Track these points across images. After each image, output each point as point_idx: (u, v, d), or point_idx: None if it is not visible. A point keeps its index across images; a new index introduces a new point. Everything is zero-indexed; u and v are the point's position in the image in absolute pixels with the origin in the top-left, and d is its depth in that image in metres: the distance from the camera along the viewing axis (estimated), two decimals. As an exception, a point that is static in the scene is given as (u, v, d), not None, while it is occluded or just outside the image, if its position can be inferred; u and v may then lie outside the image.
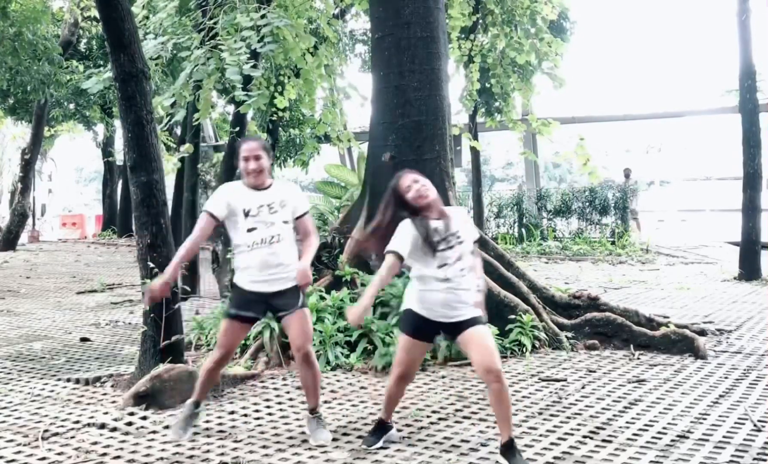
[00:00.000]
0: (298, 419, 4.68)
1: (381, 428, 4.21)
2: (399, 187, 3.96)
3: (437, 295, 3.83)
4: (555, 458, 3.97)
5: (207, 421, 4.64)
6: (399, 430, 4.39)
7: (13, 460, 4.03)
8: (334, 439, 4.28)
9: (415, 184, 3.94)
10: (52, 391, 5.43)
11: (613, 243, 17.25)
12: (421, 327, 3.91)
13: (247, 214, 4.20)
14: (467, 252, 3.92)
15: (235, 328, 4.30)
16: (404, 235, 3.85)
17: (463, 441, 4.25)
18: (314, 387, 4.32)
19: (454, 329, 3.87)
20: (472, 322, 3.84)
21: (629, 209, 18.74)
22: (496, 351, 3.88)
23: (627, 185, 19.01)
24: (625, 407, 4.90)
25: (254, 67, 6.77)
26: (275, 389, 5.37)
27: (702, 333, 7.13)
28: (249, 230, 4.19)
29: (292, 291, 4.22)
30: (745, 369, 5.91)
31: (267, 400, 5.11)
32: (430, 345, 4.10)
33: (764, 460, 3.94)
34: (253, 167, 4.20)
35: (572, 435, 4.34)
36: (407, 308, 3.98)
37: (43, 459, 4.04)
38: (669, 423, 4.55)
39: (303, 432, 4.39)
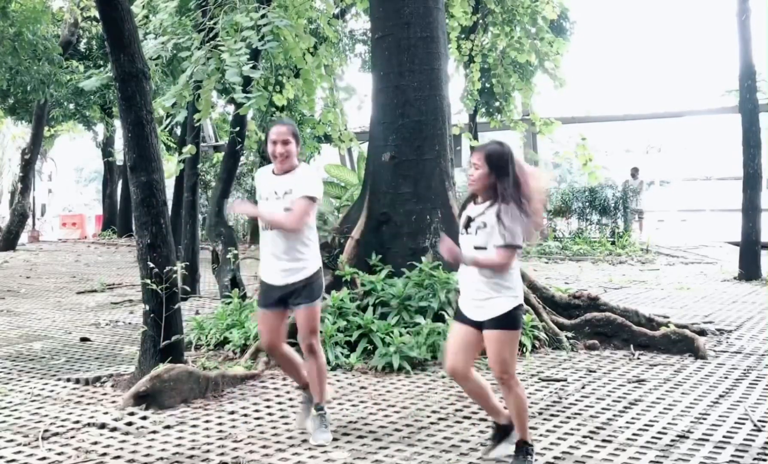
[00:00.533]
0: (295, 411, 4.67)
1: (499, 431, 3.95)
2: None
3: (461, 282, 3.80)
4: (555, 458, 3.97)
5: (207, 421, 4.64)
6: (398, 430, 4.39)
7: (13, 460, 4.03)
8: (334, 439, 4.27)
9: (473, 169, 3.71)
10: (52, 391, 5.43)
11: (613, 243, 17.25)
12: (458, 312, 3.82)
13: (261, 198, 4.30)
14: (473, 245, 3.71)
15: (267, 318, 4.37)
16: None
17: (463, 441, 4.25)
18: (318, 380, 4.31)
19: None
20: (488, 325, 3.66)
21: (634, 209, 18.74)
22: (501, 358, 3.68)
23: (632, 185, 18.99)
24: (625, 407, 4.90)
25: (254, 67, 6.77)
26: (275, 389, 5.37)
27: (702, 333, 7.13)
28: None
29: (307, 285, 4.22)
30: (745, 369, 5.91)
31: (267, 400, 5.11)
32: (477, 331, 3.74)
33: (764, 460, 3.94)
34: (280, 151, 4.22)
35: (572, 435, 4.34)
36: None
37: (43, 459, 4.04)
38: (669, 423, 4.54)
39: (303, 431, 4.39)
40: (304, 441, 4.26)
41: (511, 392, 3.68)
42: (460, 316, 3.80)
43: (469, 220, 3.71)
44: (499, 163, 3.61)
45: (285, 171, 4.27)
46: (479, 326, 3.69)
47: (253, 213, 4.37)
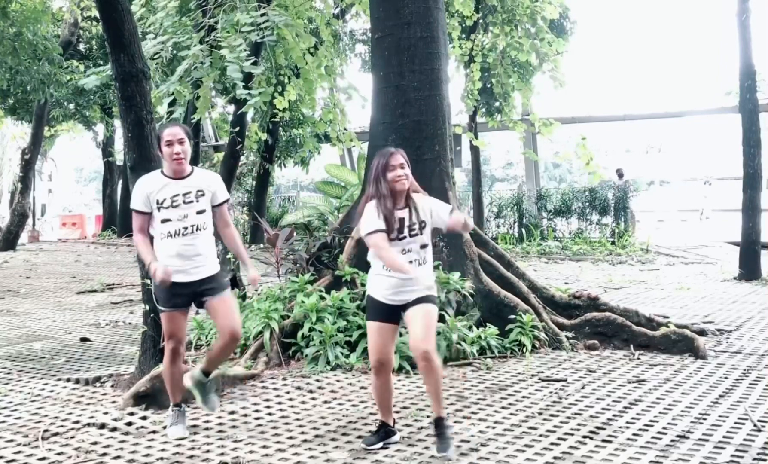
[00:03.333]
0: (298, 419, 4.68)
1: (383, 430, 4.20)
2: (388, 161, 3.98)
3: (390, 280, 3.93)
4: (555, 458, 3.97)
5: (207, 421, 4.64)
6: (399, 430, 4.39)
7: (13, 460, 4.03)
8: (333, 439, 4.28)
9: (400, 170, 3.95)
10: (52, 391, 5.43)
11: (613, 243, 17.26)
12: (383, 311, 3.99)
13: (160, 205, 4.19)
14: (422, 243, 3.98)
15: (171, 318, 4.33)
16: (376, 214, 3.92)
17: (463, 441, 4.25)
18: (221, 361, 4.45)
19: (403, 308, 3.97)
20: (418, 301, 3.91)
21: (628, 209, 18.75)
22: (432, 330, 3.94)
23: (620, 185, 18.99)
24: (625, 407, 4.90)
25: (254, 63, 6.77)
26: (275, 389, 5.37)
27: (702, 333, 7.13)
28: (163, 221, 4.19)
29: (215, 277, 4.28)
30: (745, 369, 5.91)
31: (267, 400, 5.11)
32: (396, 326, 4.09)
33: (764, 460, 3.94)
34: (177, 151, 4.16)
35: (572, 435, 4.34)
36: (369, 294, 4.09)
37: (43, 459, 4.04)
38: (669, 423, 4.54)
39: (303, 432, 4.39)
40: (305, 440, 4.27)
41: (434, 365, 3.87)
42: (382, 315, 3.99)
43: (411, 220, 3.94)
44: (408, 161, 4.03)
45: (182, 173, 4.23)
46: (398, 314, 3.98)
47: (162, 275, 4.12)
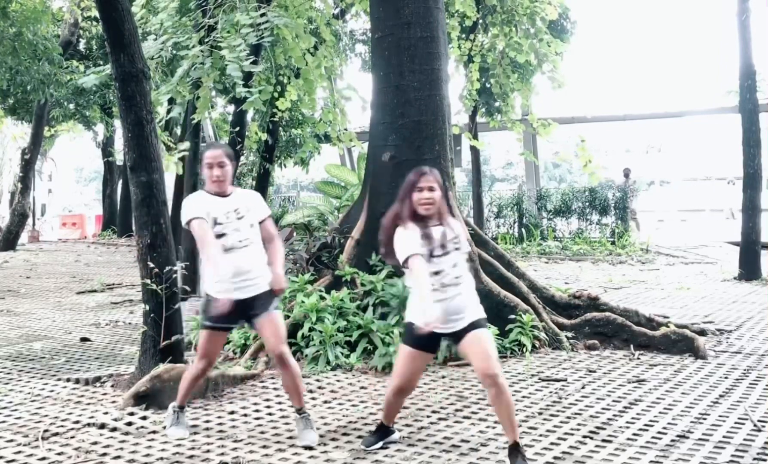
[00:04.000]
0: (294, 419, 4.67)
1: (382, 430, 4.20)
2: (416, 181, 3.91)
3: (435, 306, 3.71)
4: (555, 458, 3.97)
5: (207, 421, 4.64)
6: (399, 430, 4.39)
7: (13, 460, 4.03)
8: (333, 439, 4.28)
9: (428, 193, 3.86)
10: (52, 391, 5.43)
11: (613, 243, 17.26)
12: (423, 339, 3.77)
13: (216, 222, 4.20)
14: (462, 259, 3.87)
15: (214, 338, 4.32)
16: (411, 237, 3.80)
17: (463, 441, 4.25)
18: (295, 387, 4.28)
19: (456, 336, 3.81)
20: (470, 327, 3.76)
21: (629, 209, 18.77)
22: (493, 353, 3.77)
23: (627, 185, 19.03)
24: (625, 407, 4.90)
25: (254, 63, 6.77)
26: (275, 389, 5.37)
27: (702, 333, 7.13)
28: (218, 236, 4.18)
29: (266, 295, 4.23)
30: (745, 369, 5.91)
31: (267, 400, 5.11)
32: (432, 355, 4.02)
33: (764, 460, 3.94)
34: (217, 174, 4.22)
35: (572, 435, 4.34)
36: (409, 321, 3.88)
37: (43, 459, 4.04)
38: (669, 423, 4.54)
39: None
40: (304, 441, 4.26)
41: (504, 390, 3.68)
42: (420, 343, 3.79)
43: (448, 235, 3.84)
44: (441, 183, 3.98)
45: (224, 193, 4.28)
46: (438, 343, 3.87)
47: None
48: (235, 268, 4.18)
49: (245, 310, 4.22)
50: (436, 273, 3.74)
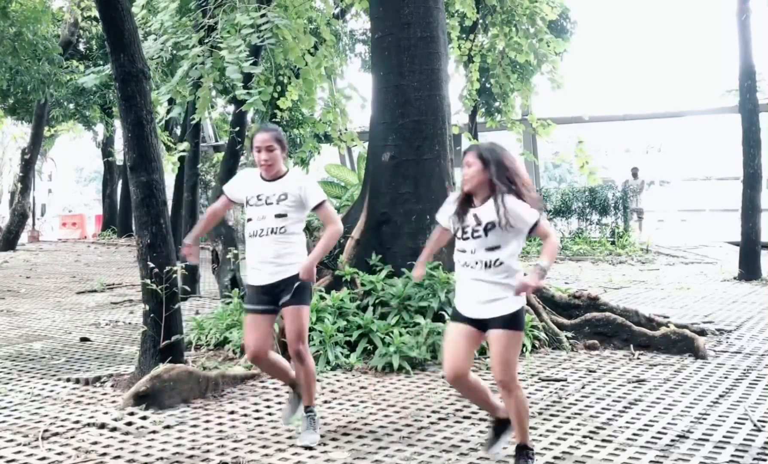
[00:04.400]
0: (297, 419, 4.67)
1: (496, 425, 3.91)
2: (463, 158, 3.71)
3: (464, 288, 3.65)
4: (555, 458, 3.97)
5: (207, 421, 4.64)
6: (398, 430, 4.39)
7: (13, 460, 4.03)
8: (333, 439, 4.28)
9: (467, 168, 3.66)
10: (52, 391, 5.43)
11: (613, 243, 17.26)
12: (463, 318, 3.67)
13: (248, 202, 4.26)
14: (488, 245, 3.58)
15: (250, 321, 4.28)
16: (445, 205, 3.82)
17: (463, 441, 4.25)
18: (306, 385, 4.29)
19: (482, 324, 3.64)
20: (493, 324, 3.59)
21: (634, 209, 18.76)
22: (507, 358, 3.60)
23: (633, 185, 19.01)
24: (625, 407, 4.90)
25: (254, 64, 6.77)
26: (275, 389, 5.37)
27: (702, 333, 7.13)
28: (248, 219, 4.24)
29: (292, 285, 4.17)
30: (745, 369, 5.91)
31: (267, 400, 5.11)
32: (483, 335, 3.68)
33: (764, 460, 3.94)
34: (264, 158, 4.20)
35: (572, 435, 4.34)
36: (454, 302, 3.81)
37: (43, 459, 4.04)
38: (669, 423, 4.54)
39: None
40: (304, 441, 4.26)
41: (512, 395, 3.60)
42: (459, 317, 3.70)
43: (477, 220, 3.61)
44: (492, 157, 3.60)
45: (274, 177, 4.25)
46: (481, 326, 3.62)
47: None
48: (256, 254, 4.20)
49: (272, 294, 4.20)
50: (461, 251, 3.65)
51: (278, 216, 4.18)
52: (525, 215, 3.53)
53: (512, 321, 3.57)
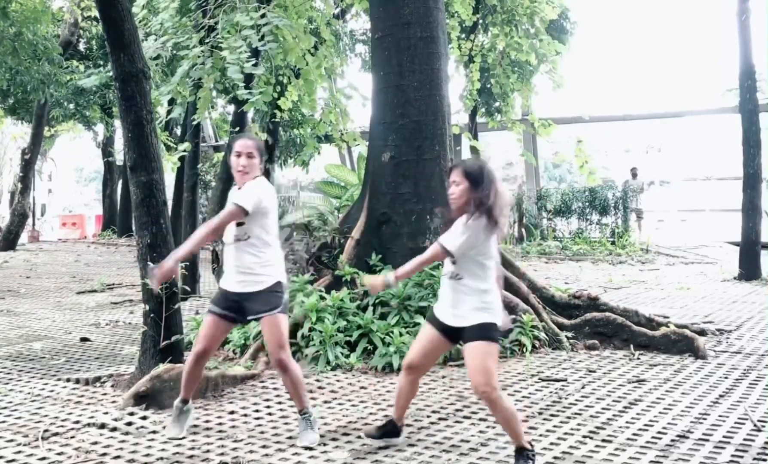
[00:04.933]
0: (298, 419, 4.67)
1: (390, 426, 4.14)
2: (449, 175, 3.82)
3: (443, 292, 3.82)
4: (555, 458, 3.97)
5: (207, 421, 4.64)
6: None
7: (13, 460, 4.03)
8: (333, 439, 4.28)
9: (453, 187, 3.76)
10: (52, 391, 5.43)
11: (613, 243, 17.26)
12: (440, 325, 3.83)
13: None
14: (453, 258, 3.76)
15: (214, 323, 4.30)
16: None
17: (463, 441, 4.25)
18: (296, 392, 4.27)
19: (457, 332, 3.80)
20: (468, 334, 3.70)
21: (633, 209, 18.76)
22: (483, 366, 3.62)
23: (632, 185, 19.00)
24: (625, 407, 4.90)
25: (255, 65, 6.78)
26: (275, 389, 5.37)
27: (702, 333, 7.13)
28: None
29: (263, 295, 4.17)
30: (745, 369, 5.91)
31: (267, 400, 5.11)
32: (451, 344, 3.93)
33: (764, 460, 3.94)
34: (243, 163, 4.19)
35: (572, 435, 4.34)
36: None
37: (43, 459, 4.04)
38: (669, 423, 4.55)
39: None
40: (304, 441, 4.26)
41: (497, 405, 3.63)
42: (434, 321, 3.86)
43: None
44: (478, 177, 3.67)
45: (242, 184, 4.25)
46: (453, 335, 3.78)
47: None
48: (225, 262, 4.26)
49: (242, 306, 4.22)
50: (452, 263, 3.75)
51: (239, 224, 4.19)
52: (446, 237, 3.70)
53: (487, 332, 3.66)
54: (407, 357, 4.02)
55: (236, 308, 4.26)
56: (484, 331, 3.66)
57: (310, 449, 4.11)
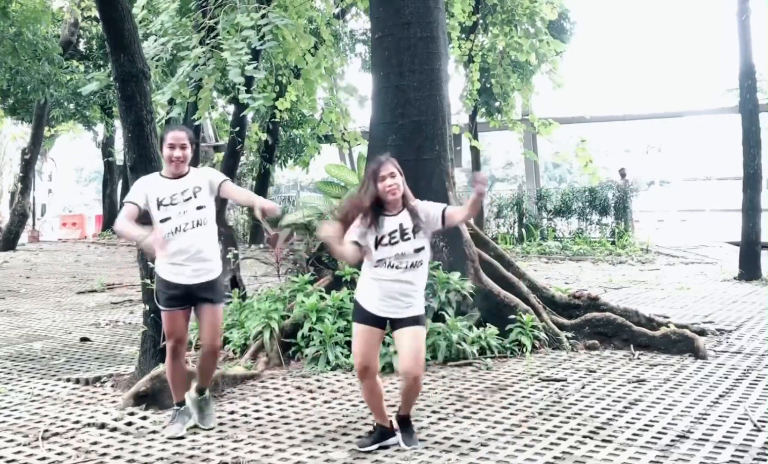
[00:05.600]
0: (298, 419, 4.68)
1: (378, 431, 4.20)
2: (377, 170, 4.00)
3: (381, 288, 3.96)
4: (555, 458, 3.97)
5: (207, 421, 4.64)
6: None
7: (13, 460, 4.03)
8: (333, 439, 4.28)
9: (390, 179, 3.97)
10: (52, 391, 5.43)
11: (613, 243, 17.26)
12: (371, 317, 4.01)
13: (160, 204, 4.27)
14: (416, 246, 3.97)
15: (171, 316, 4.37)
16: (355, 225, 4.00)
17: (463, 441, 4.25)
18: (210, 372, 4.54)
19: (393, 324, 4.03)
20: (407, 322, 3.97)
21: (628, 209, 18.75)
22: (421, 353, 4.02)
23: (624, 184, 19.00)
24: (625, 407, 4.90)
25: (255, 68, 6.78)
26: (275, 389, 5.37)
27: (702, 333, 7.13)
28: (163, 220, 4.25)
29: (213, 284, 4.34)
30: (745, 369, 5.91)
31: (267, 400, 5.11)
32: (384, 331, 4.12)
33: (764, 460, 3.94)
34: (177, 155, 4.27)
35: (572, 435, 4.34)
36: (356, 299, 4.11)
37: (43, 459, 4.04)
38: (669, 423, 4.55)
39: (303, 432, 4.40)
40: (305, 440, 4.27)
41: (417, 385, 4.05)
42: (369, 319, 4.00)
43: (403, 226, 3.97)
44: (400, 169, 4.05)
45: (179, 175, 4.32)
46: (384, 326, 4.03)
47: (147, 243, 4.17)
48: (180, 251, 4.25)
49: (190, 296, 4.31)
50: (385, 257, 3.94)
51: (199, 208, 4.29)
52: (432, 207, 4.04)
53: (422, 320, 4.04)
54: (360, 362, 4.09)
55: (187, 299, 4.35)
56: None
57: (312, 448, 4.11)
